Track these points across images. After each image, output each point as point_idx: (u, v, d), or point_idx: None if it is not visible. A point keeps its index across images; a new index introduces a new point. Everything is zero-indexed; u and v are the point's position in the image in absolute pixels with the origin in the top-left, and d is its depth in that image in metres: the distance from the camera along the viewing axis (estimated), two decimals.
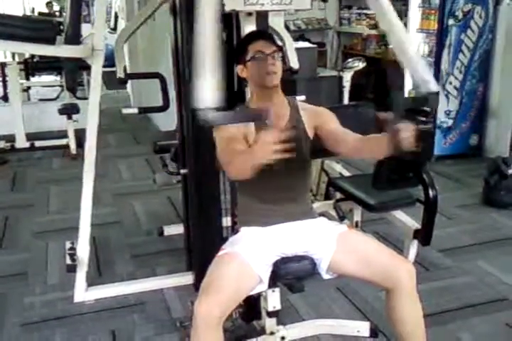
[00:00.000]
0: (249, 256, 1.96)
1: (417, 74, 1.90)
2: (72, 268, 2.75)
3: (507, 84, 4.94)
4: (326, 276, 2.07)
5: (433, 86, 1.87)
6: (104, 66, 2.72)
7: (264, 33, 2.20)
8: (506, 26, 4.89)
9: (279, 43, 2.36)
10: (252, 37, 2.11)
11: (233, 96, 2.48)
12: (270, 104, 2.05)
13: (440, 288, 2.95)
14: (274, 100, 2.09)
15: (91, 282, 2.91)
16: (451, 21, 4.79)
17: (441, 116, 4.98)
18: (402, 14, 5.92)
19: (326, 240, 2.05)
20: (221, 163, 1.93)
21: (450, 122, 5.05)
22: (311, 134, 2.13)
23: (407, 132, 1.65)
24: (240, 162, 1.80)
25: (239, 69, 2.08)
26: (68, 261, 2.75)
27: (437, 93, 1.93)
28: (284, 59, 2.16)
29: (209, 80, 1.62)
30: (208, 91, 1.62)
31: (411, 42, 2.02)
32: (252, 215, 2.12)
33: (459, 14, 4.78)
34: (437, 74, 4.92)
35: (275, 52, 2.03)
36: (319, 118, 2.13)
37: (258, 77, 2.02)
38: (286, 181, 2.08)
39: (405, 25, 5.47)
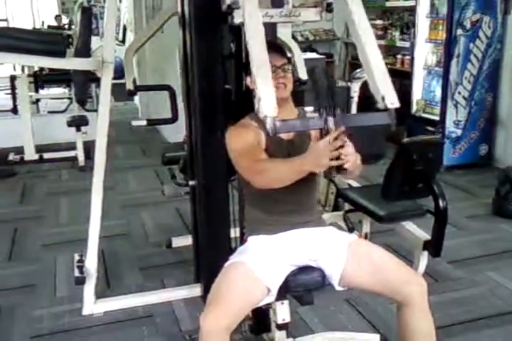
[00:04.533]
0: (256, 265, 1.94)
1: (376, 89, 1.80)
2: (80, 281, 2.74)
3: None
4: (338, 288, 2.04)
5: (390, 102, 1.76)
6: (112, 78, 2.73)
7: (274, 44, 2.17)
8: None
9: (289, 55, 2.37)
10: None
11: (233, 106, 2.50)
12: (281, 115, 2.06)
13: (450, 299, 2.92)
14: (283, 112, 2.08)
15: (99, 294, 2.90)
16: (459, 31, 4.79)
17: (450, 126, 4.97)
18: (410, 24, 5.96)
19: (337, 248, 2.03)
20: (244, 173, 1.98)
21: (459, 132, 5.03)
22: None
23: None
24: (278, 171, 1.85)
25: (248, 81, 2.08)
26: (77, 274, 2.74)
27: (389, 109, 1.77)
28: (293, 70, 2.15)
29: (268, 90, 1.66)
30: (269, 101, 1.65)
31: (377, 56, 1.86)
32: (259, 225, 2.11)
33: (468, 24, 4.77)
34: (446, 84, 4.91)
35: (285, 65, 2.03)
36: None
37: None
38: (293, 193, 2.06)
39: (413, 35, 5.49)
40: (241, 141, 2.02)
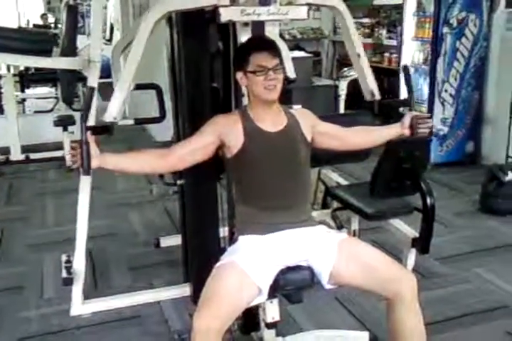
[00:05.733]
0: (247, 265, 1.93)
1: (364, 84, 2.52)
2: (68, 282, 2.71)
3: (502, 91, 4.93)
4: (327, 286, 2.04)
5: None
6: (99, 77, 2.71)
7: (266, 42, 2.10)
8: (501, 34, 4.91)
9: None
10: (255, 46, 2.04)
11: (220, 104, 2.50)
12: (268, 111, 2.08)
13: (438, 296, 2.94)
14: (271, 108, 2.09)
15: (87, 295, 2.87)
16: (446, 29, 4.81)
17: (437, 124, 4.98)
18: (397, 22, 5.98)
19: (327, 247, 2.03)
20: None
21: (446, 130, 5.06)
22: (309, 137, 2.14)
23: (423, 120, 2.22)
24: None
25: (238, 77, 2.07)
26: (64, 274, 2.72)
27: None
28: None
29: (120, 96, 1.80)
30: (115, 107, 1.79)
31: (363, 54, 2.47)
32: (250, 224, 2.09)
33: (454, 22, 4.80)
34: (433, 82, 4.93)
35: (277, 66, 2.01)
36: (311, 119, 2.21)
37: (258, 91, 2.02)
38: (284, 188, 2.07)
39: (400, 33, 5.51)
40: (205, 126, 2.08)
